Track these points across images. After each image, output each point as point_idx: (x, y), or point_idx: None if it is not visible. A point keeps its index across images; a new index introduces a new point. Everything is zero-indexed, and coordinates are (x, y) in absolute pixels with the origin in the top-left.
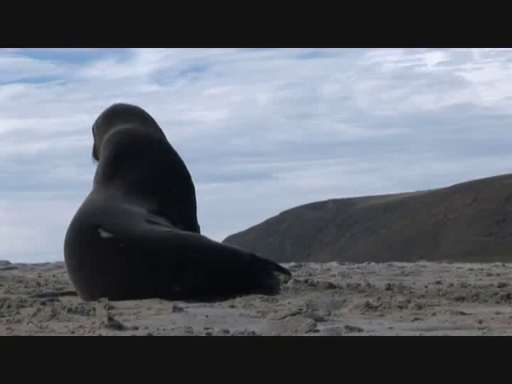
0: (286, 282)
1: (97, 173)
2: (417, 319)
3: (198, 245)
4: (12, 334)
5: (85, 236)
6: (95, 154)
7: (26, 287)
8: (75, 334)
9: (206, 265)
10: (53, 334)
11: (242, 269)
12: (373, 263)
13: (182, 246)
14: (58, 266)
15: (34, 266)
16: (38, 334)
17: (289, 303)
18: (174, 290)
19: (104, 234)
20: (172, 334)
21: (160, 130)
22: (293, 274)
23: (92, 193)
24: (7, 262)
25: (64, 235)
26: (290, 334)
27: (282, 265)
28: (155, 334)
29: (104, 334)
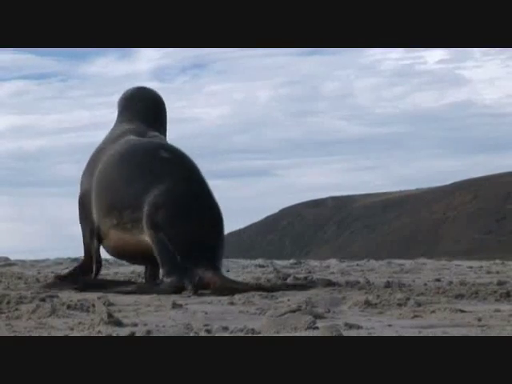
0: (285, 279)
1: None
2: (416, 317)
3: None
4: (11, 330)
5: (150, 151)
6: None
7: (25, 284)
8: (74, 331)
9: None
10: (52, 331)
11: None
12: (372, 260)
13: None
14: (57, 262)
15: (33, 263)
16: (37, 331)
17: (288, 300)
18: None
19: (164, 154)
20: (171, 331)
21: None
22: (292, 271)
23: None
24: (7, 259)
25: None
26: (289, 331)
27: (282, 262)
28: (154, 331)
29: (103, 331)
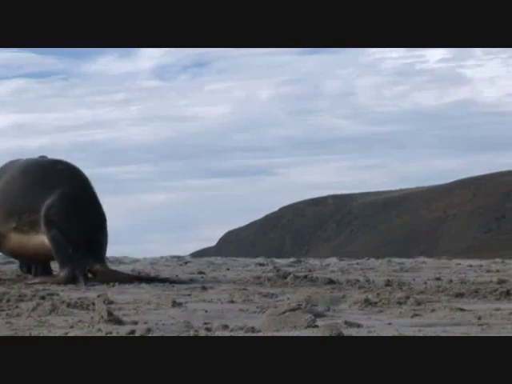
0: (285, 277)
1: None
2: (416, 315)
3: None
4: (11, 328)
5: (46, 165)
6: None
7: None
8: (74, 329)
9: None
10: (52, 329)
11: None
12: (372, 259)
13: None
14: None
15: None
16: (37, 329)
17: (288, 299)
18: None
19: (58, 166)
20: (171, 329)
21: None
22: (292, 269)
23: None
24: (7, 257)
25: None
26: (289, 330)
27: (282, 260)
28: (154, 329)
29: (103, 329)
